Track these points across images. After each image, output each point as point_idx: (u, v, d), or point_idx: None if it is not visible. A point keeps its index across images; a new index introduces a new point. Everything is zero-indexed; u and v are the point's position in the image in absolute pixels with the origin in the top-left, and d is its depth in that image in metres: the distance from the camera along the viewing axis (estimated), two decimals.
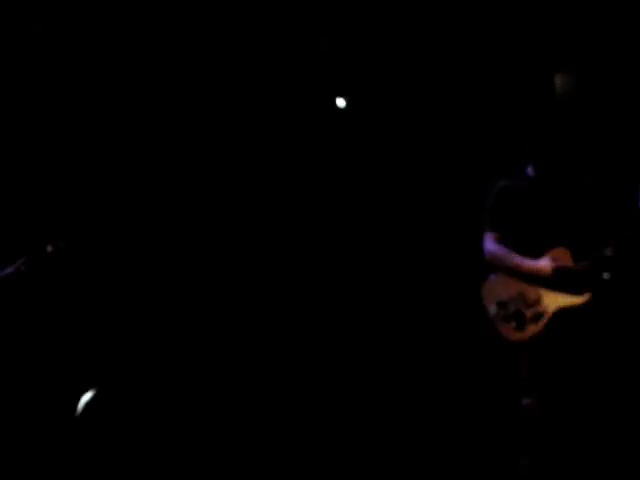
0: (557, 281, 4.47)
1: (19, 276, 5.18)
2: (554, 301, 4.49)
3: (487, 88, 6.12)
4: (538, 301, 4.52)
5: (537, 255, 4.54)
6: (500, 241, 4.65)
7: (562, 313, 4.47)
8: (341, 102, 6.35)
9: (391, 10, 6.04)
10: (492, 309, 4.62)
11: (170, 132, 6.24)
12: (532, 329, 4.50)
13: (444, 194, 6.21)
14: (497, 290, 4.65)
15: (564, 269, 4.48)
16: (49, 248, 5.21)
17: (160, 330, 6.08)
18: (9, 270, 5.18)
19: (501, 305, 4.59)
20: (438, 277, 6.16)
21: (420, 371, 6.02)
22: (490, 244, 4.66)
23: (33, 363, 5.69)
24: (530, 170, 4.71)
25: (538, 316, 4.50)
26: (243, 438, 5.72)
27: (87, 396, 5.38)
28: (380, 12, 6.06)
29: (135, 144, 6.20)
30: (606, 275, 4.50)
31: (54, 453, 5.33)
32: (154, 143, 6.22)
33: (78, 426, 5.37)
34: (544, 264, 4.51)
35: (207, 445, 5.66)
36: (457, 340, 5.98)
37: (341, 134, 6.44)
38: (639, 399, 5.08)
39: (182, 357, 6.05)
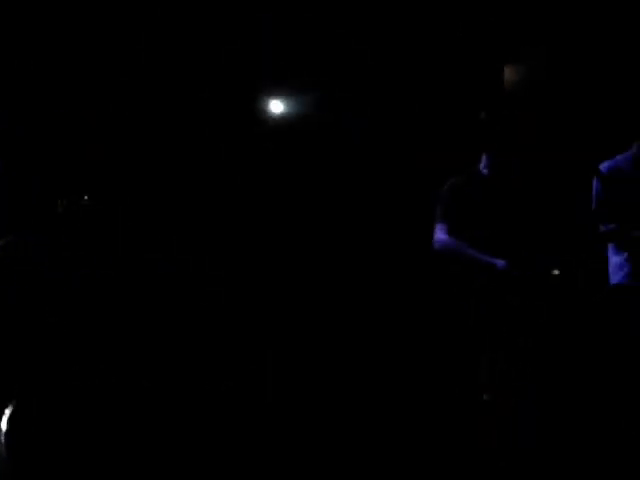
0: (510, 276, 4.48)
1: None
2: None
3: (437, 83, 6.12)
4: None
5: (488, 248, 4.56)
6: (451, 233, 4.67)
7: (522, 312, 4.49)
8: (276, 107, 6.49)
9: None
10: None
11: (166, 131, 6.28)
12: None
13: (397, 188, 6.24)
14: None
15: (517, 264, 4.48)
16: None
17: (157, 329, 6.10)
18: None
19: None
20: (390, 271, 6.18)
21: (383, 366, 6.04)
22: (442, 235, 4.68)
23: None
24: (484, 167, 4.74)
25: None
26: (242, 438, 5.72)
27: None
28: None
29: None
30: (556, 271, 4.51)
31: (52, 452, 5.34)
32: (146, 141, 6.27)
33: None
34: (498, 260, 4.52)
35: (206, 445, 5.67)
36: (415, 337, 6.00)
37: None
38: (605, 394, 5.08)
39: (180, 356, 6.07)
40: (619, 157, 5.02)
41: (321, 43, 6.23)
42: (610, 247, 4.99)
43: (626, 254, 4.87)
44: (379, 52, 6.19)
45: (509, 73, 5.51)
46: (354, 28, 6.16)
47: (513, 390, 4.46)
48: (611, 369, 4.90)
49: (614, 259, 4.95)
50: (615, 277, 4.94)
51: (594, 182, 4.98)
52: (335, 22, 6.15)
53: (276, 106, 6.58)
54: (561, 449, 4.65)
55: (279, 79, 6.35)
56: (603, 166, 4.98)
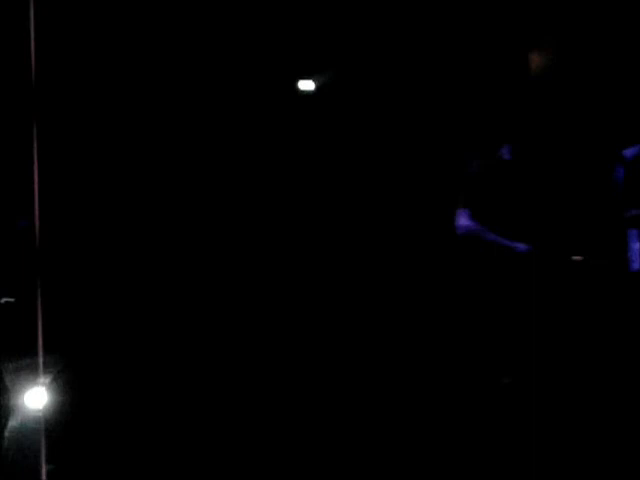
0: (533, 260, 4.50)
1: None
2: None
3: (460, 69, 6.11)
4: None
5: (511, 234, 4.59)
6: (473, 219, 4.70)
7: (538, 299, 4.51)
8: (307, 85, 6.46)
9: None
10: None
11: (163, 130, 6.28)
12: None
13: (417, 174, 6.24)
14: None
15: (539, 249, 4.50)
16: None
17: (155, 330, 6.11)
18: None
19: None
20: (410, 258, 6.18)
21: (397, 355, 6.04)
22: (465, 220, 4.72)
23: None
24: (506, 152, 4.75)
25: None
26: (242, 438, 5.72)
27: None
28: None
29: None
30: (576, 257, 4.54)
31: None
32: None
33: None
34: (520, 244, 4.54)
35: (206, 445, 5.67)
36: (435, 323, 6.00)
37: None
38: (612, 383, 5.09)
39: (180, 356, 6.07)
40: None
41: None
42: (631, 233, 5.01)
43: None
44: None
45: (535, 59, 5.51)
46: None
47: (518, 386, 4.47)
48: (628, 360, 4.92)
49: (636, 245, 4.98)
50: (636, 264, 4.96)
51: (618, 168, 5.00)
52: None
53: (306, 85, 6.51)
54: (561, 449, 4.65)
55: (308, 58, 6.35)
56: (627, 152, 5.02)
